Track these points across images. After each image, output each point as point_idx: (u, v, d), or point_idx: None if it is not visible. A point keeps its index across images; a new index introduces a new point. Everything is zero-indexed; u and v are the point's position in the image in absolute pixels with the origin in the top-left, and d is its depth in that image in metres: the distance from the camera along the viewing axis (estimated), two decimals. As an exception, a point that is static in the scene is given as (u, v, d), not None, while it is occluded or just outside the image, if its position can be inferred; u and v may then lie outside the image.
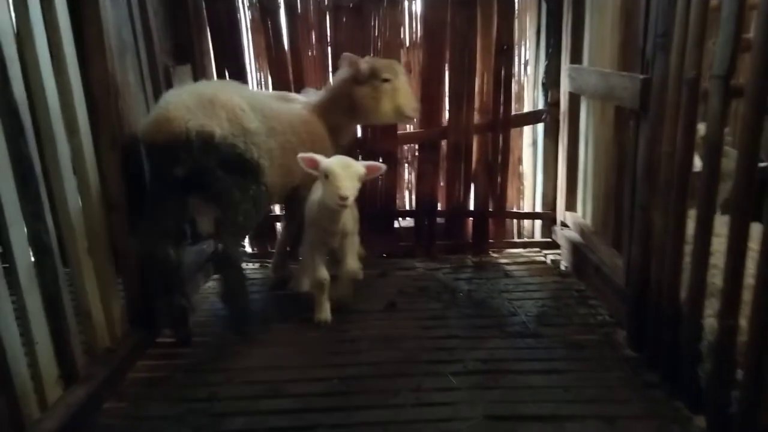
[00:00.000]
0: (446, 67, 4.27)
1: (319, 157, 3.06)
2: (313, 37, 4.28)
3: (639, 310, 2.84)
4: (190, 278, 3.76)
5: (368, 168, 3.09)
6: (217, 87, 3.23)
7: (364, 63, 3.56)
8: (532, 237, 4.74)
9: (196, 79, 3.97)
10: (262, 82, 4.42)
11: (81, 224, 2.70)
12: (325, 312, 3.41)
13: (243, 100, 3.07)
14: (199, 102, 2.88)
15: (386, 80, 3.54)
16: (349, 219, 3.30)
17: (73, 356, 2.57)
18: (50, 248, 2.41)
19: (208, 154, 2.83)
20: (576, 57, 3.89)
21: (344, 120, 3.75)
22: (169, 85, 3.69)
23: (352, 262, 3.40)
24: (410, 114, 3.65)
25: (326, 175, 2.98)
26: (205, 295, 3.95)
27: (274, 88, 4.26)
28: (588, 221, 3.91)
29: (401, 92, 3.58)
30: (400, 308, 3.58)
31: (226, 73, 4.23)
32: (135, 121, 3.11)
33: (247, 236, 4.49)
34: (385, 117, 3.64)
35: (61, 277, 2.48)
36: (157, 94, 3.55)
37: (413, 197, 4.60)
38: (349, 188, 2.95)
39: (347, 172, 2.98)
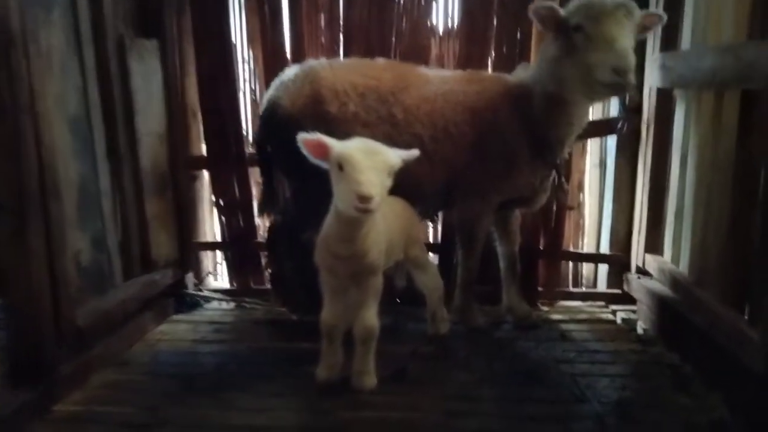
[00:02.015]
0: (490, 60, 3.29)
1: (329, 140, 2.08)
2: (323, 20, 3.36)
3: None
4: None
5: (403, 158, 2.12)
6: None
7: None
8: (594, 287, 3.62)
9: (165, 60, 3.07)
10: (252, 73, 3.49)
11: None
12: (328, 368, 2.40)
13: None
14: None
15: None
16: (375, 242, 2.24)
17: None
18: None
19: None
20: (669, 43, 2.86)
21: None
22: (122, 62, 2.79)
23: (369, 317, 2.30)
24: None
25: (340, 166, 2.00)
26: (150, 342, 2.93)
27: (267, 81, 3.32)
28: (684, 268, 2.78)
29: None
30: (412, 379, 2.49)
31: (206, 59, 3.33)
32: (45, 92, 2.17)
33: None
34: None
35: None
36: (101, 69, 2.65)
37: (439, 227, 3.55)
38: (375, 183, 1.95)
39: (372, 161, 1.99)
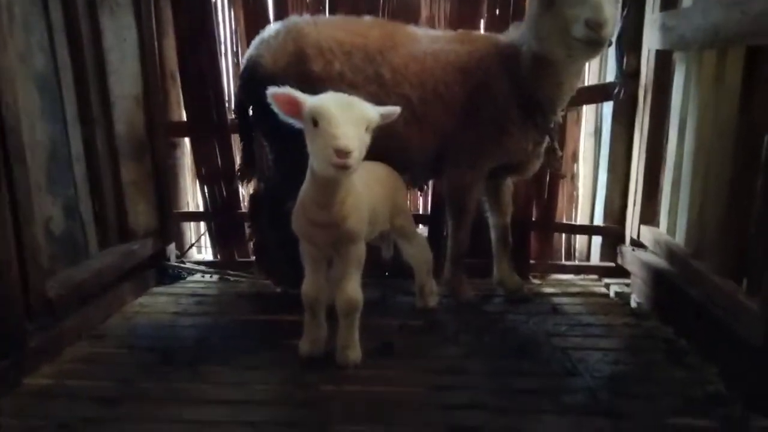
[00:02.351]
0: (483, 21, 3.14)
1: (301, 95, 1.95)
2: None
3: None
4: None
5: (383, 116, 2.01)
6: None
7: None
8: (587, 260, 3.53)
9: (139, 17, 2.90)
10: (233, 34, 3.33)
11: None
12: (311, 342, 2.31)
13: None
14: None
15: None
16: (355, 207, 2.12)
17: None
18: None
19: None
20: (669, 1, 2.72)
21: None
22: (93, 18, 2.63)
23: (351, 288, 2.18)
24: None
25: (314, 121, 1.87)
26: (128, 315, 2.82)
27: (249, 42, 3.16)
28: (680, 240, 2.69)
29: None
30: (398, 353, 2.40)
31: (185, 19, 3.15)
32: (6, 47, 2.02)
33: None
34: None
35: None
36: (70, 26, 2.49)
37: (429, 198, 3.44)
38: (352, 137, 1.83)
39: (348, 114, 1.87)
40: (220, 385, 2.16)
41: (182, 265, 3.42)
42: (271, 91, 1.94)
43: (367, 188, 2.25)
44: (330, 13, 3.15)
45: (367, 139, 1.93)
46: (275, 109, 1.96)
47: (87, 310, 2.57)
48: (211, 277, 3.39)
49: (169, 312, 2.86)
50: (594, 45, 2.17)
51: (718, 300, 2.24)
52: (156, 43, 3.15)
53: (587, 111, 3.40)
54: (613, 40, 2.27)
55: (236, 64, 3.32)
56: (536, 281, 3.33)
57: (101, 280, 2.64)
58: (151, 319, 2.77)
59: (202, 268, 3.44)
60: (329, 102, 1.89)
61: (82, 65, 2.60)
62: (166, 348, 2.43)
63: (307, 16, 2.73)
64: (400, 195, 2.63)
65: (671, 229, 2.82)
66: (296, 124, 1.96)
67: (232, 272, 3.39)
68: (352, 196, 2.09)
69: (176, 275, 3.34)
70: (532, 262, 3.38)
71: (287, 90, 1.94)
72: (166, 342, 2.51)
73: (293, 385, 2.16)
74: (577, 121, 3.42)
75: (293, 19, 2.71)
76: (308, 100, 1.92)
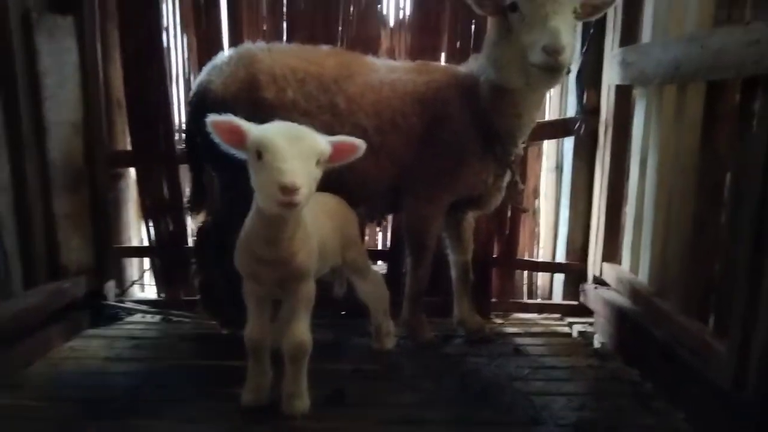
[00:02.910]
0: (443, 54, 3.09)
1: (245, 123, 1.80)
2: (264, 5, 3.09)
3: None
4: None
5: (336, 146, 1.85)
6: None
7: None
8: (549, 298, 3.43)
9: (82, 39, 2.74)
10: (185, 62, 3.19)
11: None
12: (255, 390, 2.10)
13: None
14: None
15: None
16: (304, 243, 1.96)
17: None
18: None
19: None
20: (629, 37, 2.72)
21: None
22: (28, 39, 2.45)
23: (300, 331, 2.00)
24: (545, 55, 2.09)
25: (259, 153, 1.72)
26: (54, 361, 2.56)
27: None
28: (644, 278, 2.62)
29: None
30: (350, 401, 2.21)
31: (132, 43, 3.00)
32: None
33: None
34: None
35: None
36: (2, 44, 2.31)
37: (388, 234, 3.31)
38: (300, 172, 1.68)
39: (296, 147, 1.71)
40: (150, 442, 1.93)
41: (121, 304, 3.16)
42: (212, 119, 1.79)
43: (316, 221, 2.10)
44: (287, 42, 3.04)
45: (317, 173, 1.79)
46: (216, 138, 1.80)
47: (5, 355, 2.31)
48: (152, 317, 3.15)
49: (100, 357, 2.60)
50: (552, 72, 2.11)
51: (684, 341, 2.15)
52: (101, 68, 2.98)
53: (548, 146, 3.36)
54: (573, 69, 2.22)
55: (187, 92, 3.16)
56: (498, 320, 3.20)
57: (23, 321, 2.39)
58: (80, 366, 2.51)
59: (143, 307, 3.19)
60: (275, 133, 1.74)
61: (12, 87, 2.41)
62: (91, 399, 2.18)
63: (261, 43, 2.62)
64: (352, 227, 2.49)
65: (634, 267, 2.75)
66: (240, 155, 1.81)
67: (176, 312, 3.15)
68: (301, 231, 1.93)
69: (114, 315, 3.09)
70: (493, 300, 3.26)
71: (229, 118, 1.79)
72: (93, 392, 2.26)
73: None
74: (538, 156, 3.37)
75: (247, 45, 2.60)
76: (252, 130, 1.77)
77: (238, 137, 1.77)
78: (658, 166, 2.50)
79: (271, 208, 1.74)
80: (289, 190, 1.64)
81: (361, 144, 1.91)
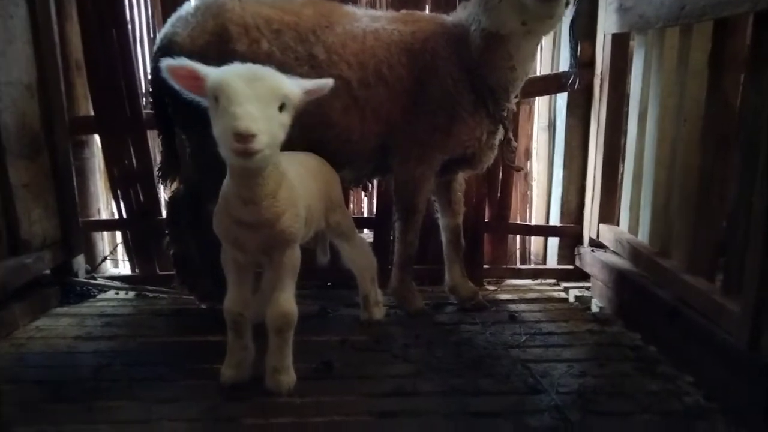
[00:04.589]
0: (426, 8, 2.89)
1: (201, 67, 1.63)
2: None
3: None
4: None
5: (305, 88, 1.69)
6: None
7: None
8: (543, 263, 3.31)
9: (32, 13, 2.50)
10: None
11: None
12: (236, 366, 1.95)
13: None
14: None
15: None
16: (289, 204, 1.78)
17: None
18: None
19: None
20: (627, -18, 2.54)
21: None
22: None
23: (285, 300, 1.85)
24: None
25: (216, 97, 1.56)
26: (19, 341, 2.37)
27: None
28: (644, 237, 2.49)
29: None
30: (339, 374, 2.07)
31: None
32: None
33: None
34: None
35: None
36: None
37: (374, 201, 3.15)
38: (256, 117, 1.51)
39: (254, 89, 1.55)
40: (120, 424, 1.78)
41: (92, 281, 2.97)
42: (167, 63, 1.61)
43: (301, 181, 1.93)
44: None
45: (284, 119, 1.61)
46: (174, 85, 1.62)
47: (-40, 337, 2.13)
48: (126, 294, 2.97)
49: (69, 336, 2.42)
50: (550, 4, 1.93)
51: (691, 301, 2.04)
52: (56, 27, 2.72)
53: (540, 104, 3.20)
54: (566, 19, 2.05)
55: (152, 50, 2.93)
56: (491, 287, 3.08)
57: (-20, 300, 2.20)
58: (46, 346, 2.33)
59: (116, 284, 3.01)
60: (232, 74, 1.57)
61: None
62: (58, 381, 2.02)
63: None
64: (335, 188, 2.32)
65: (633, 227, 2.63)
66: (202, 101, 1.63)
67: (151, 288, 2.97)
68: (285, 190, 1.76)
69: (84, 293, 2.90)
70: (485, 266, 3.12)
71: (185, 62, 1.63)
72: (60, 373, 2.09)
73: (212, 421, 1.79)
74: (530, 115, 3.22)
75: None
76: (210, 73, 1.60)
77: (196, 82, 1.61)
78: (659, 119, 2.36)
79: (230, 159, 1.60)
80: (243, 137, 1.48)
81: (329, 81, 1.75)
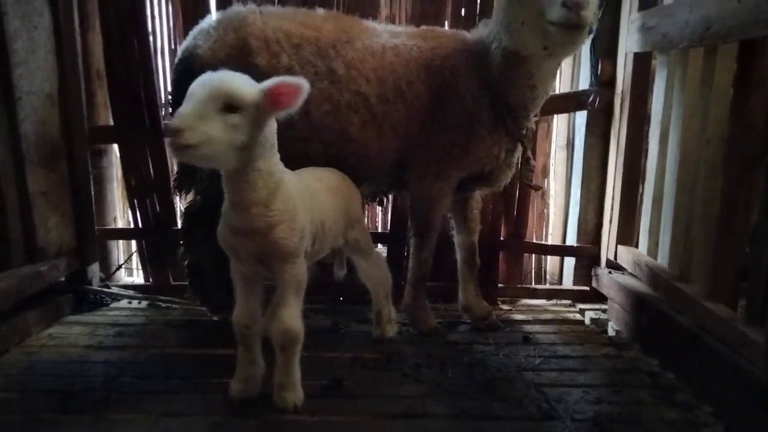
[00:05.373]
0: (446, 23, 2.88)
1: None
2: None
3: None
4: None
5: (274, 90, 1.65)
6: None
7: None
8: (559, 283, 3.25)
9: (54, 2, 2.53)
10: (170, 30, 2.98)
11: None
12: (244, 381, 1.94)
13: None
14: None
15: None
16: (286, 214, 1.78)
17: None
18: None
19: None
20: (649, 0, 2.51)
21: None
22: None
23: (288, 316, 1.82)
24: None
25: None
26: (31, 349, 2.38)
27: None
28: (663, 260, 2.44)
29: None
30: (348, 392, 2.04)
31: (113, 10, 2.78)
32: None
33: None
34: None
35: None
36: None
37: (388, 216, 3.13)
38: (188, 115, 1.56)
39: (202, 90, 1.61)
40: (127, 437, 1.76)
41: (105, 289, 2.98)
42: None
43: (314, 198, 1.93)
44: (279, 5, 2.84)
45: (233, 120, 1.60)
46: None
47: (-29, 343, 2.14)
48: (139, 303, 2.97)
49: (80, 345, 2.42)
50: (573, 30, 1.91)
51: (712, 329, 1.98)
52: (78, 37, 2.76)
53: (559, 122, 3.16)
54: (594, 27, 2.02)
55: (173, 61, 2.96)
56: (505, 307, 3.03)
57: (-5, 307, 2.21)
58: (58, 354, 2.33)
59: (129, 293, 3.02)
60: (198, 79, 1.65)
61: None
62: (67, 390, 2.01)
63: (252, 6, 2.41)
64: (355, 205, 2.30)
65: (652, 250, 2.57)
66: None
67: (164, 298, 2.97)
68: (280, 201, 1.76)
69: (98, 301, 2.91)
70: (500, 285, 3.08)
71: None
72: (70, 383, 2.08)
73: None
74: (548, 133, 3.18)
75: (236, 8, 2.40)
76: None
77: None
78: (682, 140, 2.31)
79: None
80: (173, 132, 1.53)
81: (303, 82, 1.68)
